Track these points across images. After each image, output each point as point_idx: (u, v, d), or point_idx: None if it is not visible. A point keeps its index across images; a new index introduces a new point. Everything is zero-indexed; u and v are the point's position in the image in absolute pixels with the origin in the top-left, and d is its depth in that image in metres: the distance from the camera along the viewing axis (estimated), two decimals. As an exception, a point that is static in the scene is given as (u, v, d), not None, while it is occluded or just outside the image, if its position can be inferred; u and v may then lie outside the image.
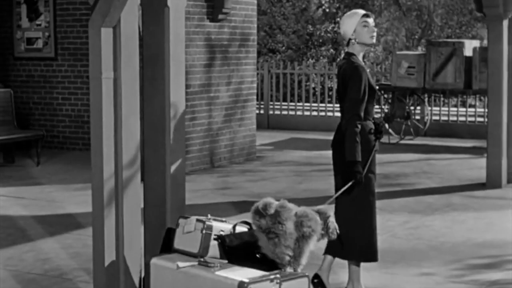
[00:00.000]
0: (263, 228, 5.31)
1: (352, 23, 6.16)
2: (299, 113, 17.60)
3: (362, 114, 6.00)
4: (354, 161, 5.89)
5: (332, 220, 5.52)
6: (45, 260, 7.29)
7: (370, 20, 6.18)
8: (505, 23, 10.76)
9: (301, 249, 5.32)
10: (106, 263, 5.50)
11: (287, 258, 5.28)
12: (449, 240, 8.02)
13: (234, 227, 5.48)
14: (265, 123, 17.56)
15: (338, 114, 16.80)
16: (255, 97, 13.46)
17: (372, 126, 6.14)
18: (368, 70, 6.20)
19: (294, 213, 5.35)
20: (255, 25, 13.44)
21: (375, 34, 6.19)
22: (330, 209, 5.63)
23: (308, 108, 17.54)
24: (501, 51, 10.69)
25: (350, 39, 6.19)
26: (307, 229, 5.32)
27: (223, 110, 12.62)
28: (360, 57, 6.20)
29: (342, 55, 6.44)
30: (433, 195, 10.21)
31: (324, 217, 5.50)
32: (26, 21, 13.74)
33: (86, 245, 7.64)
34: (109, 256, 5.51)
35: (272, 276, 5.02)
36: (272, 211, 5.28)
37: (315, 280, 6.16)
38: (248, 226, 5.54)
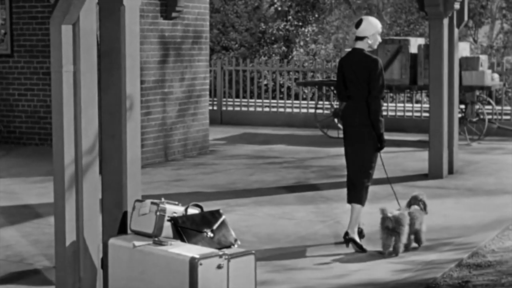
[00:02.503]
0: (389, 228, 7.27)
1: (374, 28, 7.57)
2: (251, 109, 17.95)
3: None
4: (383, 133, 7.55)
5: (424, 199, 7.62)
6: (6, 247, 7.57)
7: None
8: (445, 21, 11.22)
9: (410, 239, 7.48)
10: (67, 243, 5.85)
11: (401, 249, 7.31)
12: (390, 226, 8.48)
13: (186, 209, 5.87)
14: (218, 118, 17.84)
15: (289, 110, 17.32)
16: (208, 93, 13.79)
17: None
18: None
19: (408, 213, 7.41)
20: (208, 23, 13.77)
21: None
22: (421, 194, 7.68)
23: (260, 104, 17.91)
24: (441, 48, 11.15)
25: (365, 37, 7.54)
26: (418, 226, 7.45)
27: (176, 106, 12.94)
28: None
29: (351, 49, 7.78)
30: (378, 185, 10.55)
31: (419, 200, 7.60)
32: (-18, 19, 13.91)
33: (45, 233, 7.95)
34: (70, 236, 5.86)
35: (221, 253, 5.43)
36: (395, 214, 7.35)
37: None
38: (199, 209, 5.95)
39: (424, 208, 7.62)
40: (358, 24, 7.64)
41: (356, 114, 7.54)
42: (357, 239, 7.57)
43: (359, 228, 7.78)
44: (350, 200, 7.87)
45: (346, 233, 7.58)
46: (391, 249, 7.31)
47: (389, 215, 7.31)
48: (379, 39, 7.63)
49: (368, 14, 27.69)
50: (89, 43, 5.90)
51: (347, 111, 7.67)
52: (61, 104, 5.78)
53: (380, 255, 7.32)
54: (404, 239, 7.31)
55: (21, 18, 13.65)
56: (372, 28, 7.55)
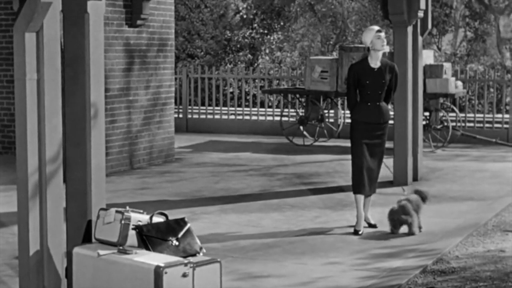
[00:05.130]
0: (398, 220, 8.36)
1: (369, 36, 8.36)
2: (217, 116, 17.95)
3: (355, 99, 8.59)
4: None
5: (429, 197, 8.86)
6: (-31, 256, 7.53)
7: (382, 34, 8.39)
8: (410, 29, 11.32)
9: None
10: (31, 253, 5.81)
11: (417, 230, 8.42)
12: (355, 233, 8.53)
13: (151, 218, 5.85)
14: (184, 126, 17.81)
15: (255, 117, 17.35)
16: (173, 100, 13.77)
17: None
18: (376, 68, 8.51)
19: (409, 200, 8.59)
20: (173, 31, 13.76)
21: (385, 43, 8.39)
22: (429, 192, 8.96)
23: (225, 112, 17.92)
24: (405, 56, 11.25)
25: (368, 47, 8.40)
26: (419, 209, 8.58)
27: (142, 113, 12.91)
28: (373, 60, 8.44)
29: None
30: (344, 192, 10.66)
31: (424, 194, 8.74)
32: None
33: (8, 242, 7.89)
34: (34, 246, 5.82)
35: (186, 261, 5.42)
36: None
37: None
38: (164, 217, 5.93)
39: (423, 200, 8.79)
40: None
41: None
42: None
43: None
44: (373, 191, 8.83)
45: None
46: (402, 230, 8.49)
47: (395, 207, 8.43)
48: (380, 41, 8.32)
49: (333, 22, 27.83)
50: (53, 51, 5.86)
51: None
52: (24, 112, 5.75)
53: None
54: (416, 222, 8.42)
55: (-16, 26, 13.55)
56: (367, 37, 8.38)
